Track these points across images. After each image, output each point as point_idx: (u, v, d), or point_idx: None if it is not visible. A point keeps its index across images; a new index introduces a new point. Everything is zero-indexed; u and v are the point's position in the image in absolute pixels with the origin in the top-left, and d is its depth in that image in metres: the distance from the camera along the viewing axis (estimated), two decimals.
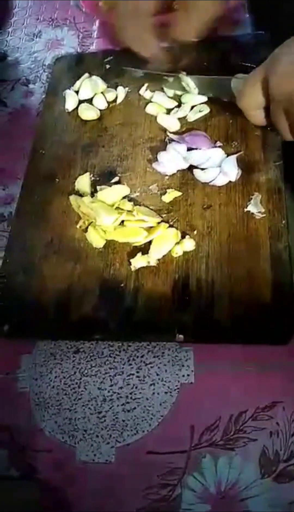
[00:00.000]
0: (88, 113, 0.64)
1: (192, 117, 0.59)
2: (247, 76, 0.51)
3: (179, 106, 0.61)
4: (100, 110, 0.64)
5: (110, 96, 0.64)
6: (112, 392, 0.48)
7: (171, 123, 0.59)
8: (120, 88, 0.64)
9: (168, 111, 0.61)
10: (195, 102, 0.60)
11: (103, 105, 0.64)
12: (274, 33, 0.63)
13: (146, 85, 0.63)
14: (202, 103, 0.60)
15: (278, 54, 0.48)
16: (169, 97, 0.61)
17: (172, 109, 0.61)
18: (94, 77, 0.66)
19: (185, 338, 0.47)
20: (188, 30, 0.60)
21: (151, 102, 0.62)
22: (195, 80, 0.59)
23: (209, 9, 0.58)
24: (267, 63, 0.48)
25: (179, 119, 0.60)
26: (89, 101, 0.65)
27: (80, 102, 0.65)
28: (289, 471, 0.42)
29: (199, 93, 0.60)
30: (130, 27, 0.60)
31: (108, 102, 0.64)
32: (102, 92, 0.65)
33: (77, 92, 0.66)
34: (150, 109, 0.61)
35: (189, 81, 0.59)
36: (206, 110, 0.59)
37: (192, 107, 0.60)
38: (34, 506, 0.45)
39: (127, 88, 0.65)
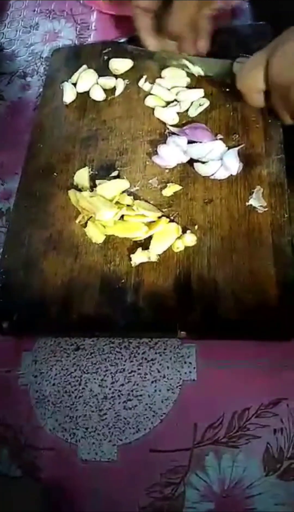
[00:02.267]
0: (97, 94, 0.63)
1: (193, 112, 0.58)
2: (249, 59, 0.51)
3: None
4: (98, 102, 0.63)
5: (109, 84, 0.64)
6: (114, 390, 0.48)
7: (169, 117, 0.58)
8: (119, 80, 0.63)
9: (167, 103, 0.60)
10: (193, 98, 0.59)
11: (100, 96, 0.63)
12: (275, 24, 0.62)
13: (144, 77, 0.62)
14: (202, 97, 0.59)
15: (280, 41, 0.47)
16: (168, 89, 0.60)
17: (172, 101, 0.60)
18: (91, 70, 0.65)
19: (187, 334, 0.46)
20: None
21: (150, 94, 0.61)
22: (197, 60, 0.59)
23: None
24: (269, 47, 0.48)
25: (179, 114, 0.59)
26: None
27: (78, 94, 0.64)
28: (293, 469, 0.42)
29: (201, 72, 0.60)
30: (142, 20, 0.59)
31: (107, 94, 0.63)
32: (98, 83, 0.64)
33: (75, 84, 0.65)
34: (149, 101, 0.60)
35: (192, 60, 0.59)
36: (206, 103, 0.58)
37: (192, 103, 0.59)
38: (35, 504, 0.45)
39: (126, 80, 0.64)
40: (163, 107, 0.59)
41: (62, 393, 0.49)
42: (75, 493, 0.45)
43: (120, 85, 0.63)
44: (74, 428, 0.47)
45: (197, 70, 0.60)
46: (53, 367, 0.50)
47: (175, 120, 0.58)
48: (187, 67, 0.60)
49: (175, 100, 0.60)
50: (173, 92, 0.60)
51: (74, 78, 0.65)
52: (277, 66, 0.46)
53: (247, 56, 0.54)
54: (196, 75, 0.60)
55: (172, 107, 0.59)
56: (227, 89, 0.57)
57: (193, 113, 0.58)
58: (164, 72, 0.62)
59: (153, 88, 0.61)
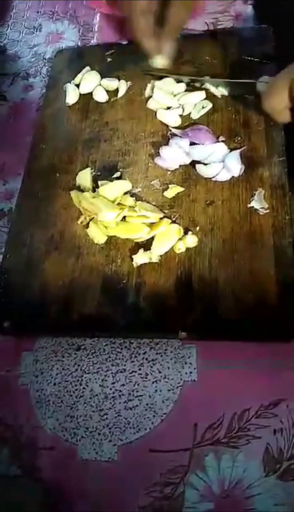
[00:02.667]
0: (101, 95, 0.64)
1: (196, 114, 0.58)
2: (272, 78, 0.51)
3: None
4: (101, 103, 0.64)
5: (112, 85, 0.64)
6: (114, 390, 0.48)
7: (171, 119, 0.59)
8: (122, 82, 0.64)
9: (169, 107, 0.60)
10: (194, 101, 0.59)
11: (103, 97, 0.63)
12: (276, 25, 0.62)
13: (149, 84, 0.62)
14: (204, 99, 0.59)
15: None
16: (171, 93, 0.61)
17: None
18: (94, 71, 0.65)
19: (188, 335, 0.46)
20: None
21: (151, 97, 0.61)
22: (220, 82, 0.59)
23: None
24: (292, 66, 0.48)
25: (181, 116, 0.59)
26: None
27: (81, 96, 0.65)
28: (293, 469, 0.42)
29: (225, 93, 0.60)
30: (140, 22, 0.59)
31: (109, 96, 0.64)
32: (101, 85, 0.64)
33: (77, 85, 0.65)
34: (151, 104, 0.61)
35: (214, 83, 0.60)
36: (208, 105, 0.58)
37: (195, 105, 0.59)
38: (35, 504, 0.45)
39: (129, 82, 0.64)
40: (166, 109, 0.60)
41: (63, 393, 0.49)
42: (75, 492, 0.45)
43: (122, 87, 0.63)
44: (75, 428, 0.47)
45: (220, 92, 0.60)
46: (54, 367, 0.51)
47: (178, 122, 0.58)
48: (209, 89, 0.60)
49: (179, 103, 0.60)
50: (175, 95, 0.60)
51: (77, 79, 0.65)
52: None
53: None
54: (220, 96, 0.60)
55: (175, 109, 0.59)
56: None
57: (195, 115, 0.59)
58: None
59: (154, 93, 0.61)
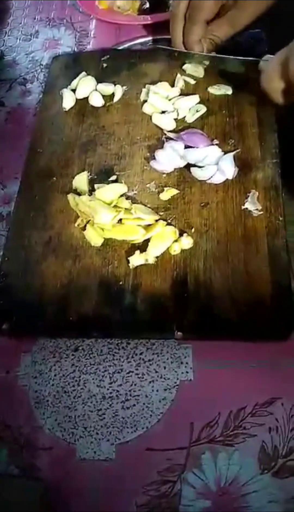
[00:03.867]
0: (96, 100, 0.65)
1: (191, 118, 0.59)
2: (271, 57, 0.51)
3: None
4: (97, 108, 0.64)
5: (108, 90, 0.65)
6: (112, 390, 0.49)
7: (166, 123, 0.59)
8: (117, 87, 0.65)
9: (163, 111, 0.61)
10: (189, 105, 0.60)
11: (99, 102, 0.64)
12: (274, 25, 0.63)
13: (144, 89, 0.63)
14: (198, 103, 0.60)
15: None
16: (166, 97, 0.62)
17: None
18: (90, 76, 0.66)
19: (184, 335, 0.47)
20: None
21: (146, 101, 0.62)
22: (223, 59, 0.61)
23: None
24: (289, 46, 0.48)
25: (176, 120, 0.60)
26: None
27: (78, 100, 0.65)
28: (288, 467, 0.43)
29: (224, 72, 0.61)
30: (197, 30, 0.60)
31: (105, 100, 0.64)
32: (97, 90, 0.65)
33: (74, 91, 0.66)
34: (146, 109, 0.61)
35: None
36: (203, 109, 0.59)
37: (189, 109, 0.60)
38: (34, 503, 0.45)
39: (124, 87, 0.65)
40: (161, 113, 0.61)
41: (61, 393, 0.50)
42: (73, 491, 0.45)
43: (118, 92, 0.64)
44: (73, 428, 0.48)
45: (200, 73, 0.61)
46: (52, 367, 0.51)
47: (173, 126, 0.59)
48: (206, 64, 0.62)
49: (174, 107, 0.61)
50: (169, 100, 0.61)
51: (73, 84, 0.66)
52: None
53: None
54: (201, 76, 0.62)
55: (170, 113, 0.60)
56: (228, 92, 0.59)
57: (190, 119, 0.59)
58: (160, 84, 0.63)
59: (149, 97, 0.62)
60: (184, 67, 0.64)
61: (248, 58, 0.58)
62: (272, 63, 0.50)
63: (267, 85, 0.52)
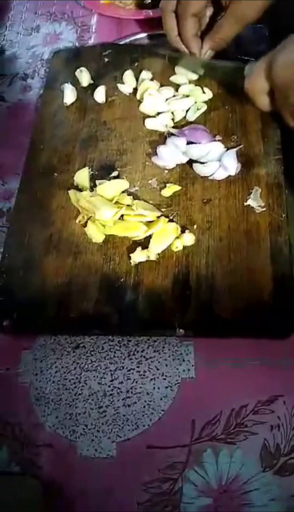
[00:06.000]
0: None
1: (192, 116, 0.59)
2: (255, 63, 0.52)
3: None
4: (98, 103, 0.64)
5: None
6: (113, 387, 0.48)
7: (159, 127, 0.59)
8: (118, 82, 0.64)
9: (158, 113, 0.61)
10: (185, 107, 0.60)
11: (101, 99, 0.64)
12: (274, 24, 0.63)
13: (139, 89, 0.63)
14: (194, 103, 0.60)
15: (283, 44, 0.48)
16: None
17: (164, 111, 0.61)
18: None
19: (186, 332, 0.47)
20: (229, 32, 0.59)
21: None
22: (210, 63, 0.60)
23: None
24: (272, 51, 0.49)
25: (174, 121, 0.60)
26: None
27: (78, 96, 0.65)
28: (290, 465, 0.42)
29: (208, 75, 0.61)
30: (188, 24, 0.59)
31: (107, 96, 0.64)
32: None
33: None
34: (143, 108, 0.61)
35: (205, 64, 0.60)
36: (203, 107, 0.59)
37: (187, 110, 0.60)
38: (34, 501, 0.45)
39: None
40: (156, 115, 0.60)
41: (62, 390, 0.49)
42: (74, 489, 0.45)
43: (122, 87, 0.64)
44: (74, 425, 0.48)
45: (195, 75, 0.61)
46: (53, 365, 0.51)
47: (169, 126, 0.59)
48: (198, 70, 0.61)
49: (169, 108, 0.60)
50: (166, 100, 0.61)
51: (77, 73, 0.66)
52: (278, 67, 0.48)
53: (245, 59, 0.54)
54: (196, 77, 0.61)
55: (165, 113, 0.59)
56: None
57: (191, 117, 0.59)
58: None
59: (144, 99, 0.61)
60: (176, 70, 0.63)
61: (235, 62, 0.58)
62: (256, 68, 0.51)
63: (250, 90, 0.52)
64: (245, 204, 0.51)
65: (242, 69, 0.55)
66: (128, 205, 0.53)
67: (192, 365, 0.48)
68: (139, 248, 0.50)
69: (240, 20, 0.57)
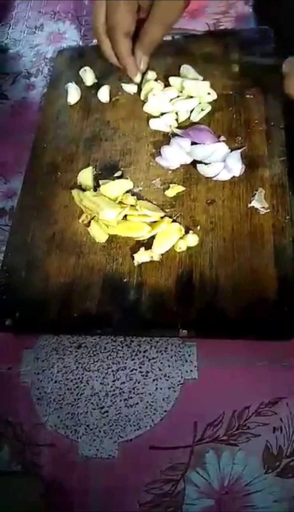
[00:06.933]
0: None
1: (196, 117, 0.59)
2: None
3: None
4: (102, 102, 0.64)
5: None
6: (115, 387, 0.48)
7: (164, 127, 0.59)
8: (122, 81, 0.64)
9: (162, 114, 0.60)
10: (189, 107, 0.59)
11: (105, 98, 0.64)
12: (276, 24, 0.63)
13: (143, 90, 0.62)
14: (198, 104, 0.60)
15: None
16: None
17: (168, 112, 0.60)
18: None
19: (189, 333, 0.46)
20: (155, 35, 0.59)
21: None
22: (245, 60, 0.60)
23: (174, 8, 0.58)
24: None
25: (178, 122, 0.59)
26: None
27: (82, 95, 0.65)
28: (292, 466, 0.42)
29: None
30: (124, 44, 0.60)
31: (111, 96, 0.64)
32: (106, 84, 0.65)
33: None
34: (147, 108, 0.61)
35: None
36: (208, 108, 0.59)
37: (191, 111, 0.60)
38: (36, 500, 0.45)
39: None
40: (160, 115, 0.60)
41: (64, 390, 0.49)
42: (75, 489, 0.45)
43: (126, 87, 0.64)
44: (76, 425, 0.48)
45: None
46: (55, 364, 0.51)
47: (174, 125, 0.58)
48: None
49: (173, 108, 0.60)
50: (170, 100, 0.60)
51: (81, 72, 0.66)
52: None
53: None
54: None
55: (169, 114, 0.59)
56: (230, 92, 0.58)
57: (195, 117, 0.59)
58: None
59: (149, 99, 0.61)
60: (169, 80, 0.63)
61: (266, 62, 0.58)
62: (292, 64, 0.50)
63: (289, 86, 0.51)
64: (249, 205, 0.51)
65: (278, 66, 0.55)
66: (131, 205, 0.53)
67: (195, 366, 0.48)
68: (142, 249, 0.50)
69: (164, 22, 0.58)
